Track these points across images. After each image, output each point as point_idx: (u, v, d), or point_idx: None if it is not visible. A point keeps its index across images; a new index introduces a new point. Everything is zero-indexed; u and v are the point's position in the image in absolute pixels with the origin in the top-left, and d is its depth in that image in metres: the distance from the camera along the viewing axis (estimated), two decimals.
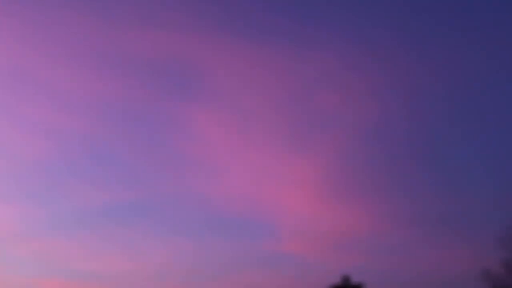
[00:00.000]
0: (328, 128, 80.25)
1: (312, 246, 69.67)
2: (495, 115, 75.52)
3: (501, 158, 71.65)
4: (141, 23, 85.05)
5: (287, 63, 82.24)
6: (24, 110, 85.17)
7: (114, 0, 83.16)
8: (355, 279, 38.42)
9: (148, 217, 77.96)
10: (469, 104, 78.13)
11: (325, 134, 79.59)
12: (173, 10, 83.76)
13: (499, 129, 74.12)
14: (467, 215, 64.12)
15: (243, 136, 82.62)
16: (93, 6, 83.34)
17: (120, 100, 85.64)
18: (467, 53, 76.03)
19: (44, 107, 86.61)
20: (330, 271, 56.41)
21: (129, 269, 70.22)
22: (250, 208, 78.06)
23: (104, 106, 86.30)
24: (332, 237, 69.28)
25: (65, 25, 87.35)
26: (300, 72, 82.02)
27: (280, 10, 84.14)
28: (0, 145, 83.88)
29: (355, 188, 74.74)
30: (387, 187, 73.34)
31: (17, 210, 79.75)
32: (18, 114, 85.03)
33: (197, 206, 78.88)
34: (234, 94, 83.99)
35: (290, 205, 74.91)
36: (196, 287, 64.45)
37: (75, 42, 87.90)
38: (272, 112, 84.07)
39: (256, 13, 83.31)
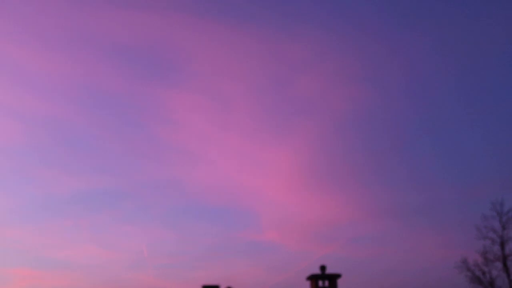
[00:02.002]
0: (310, 116, 77.88)
1: (292, 235, 67.11)
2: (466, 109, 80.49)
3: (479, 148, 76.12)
4: (117, 5, 73.43)
5: (269, 46, 77.73)
6: None
7: None
8: (333, 268, 38.09)
9: (124, 204, 68.88)
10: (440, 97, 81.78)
11: (307, 122, 77.00)
12: None
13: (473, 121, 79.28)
14: (444, 205, 67.81)
15: (223, 123, 75.86)
16: None
17: (94, 84, 73.97)
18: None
19: (11, 89, 71.14)
20: (310, 260, 54.85)
21: (103, 258, 62.34)
22: (231, 196, 72.02)
23: (76, 90, 73.66)
24: (312, 226, 67.56)
25: (36, 4, 72.44)
26: (283, 56, 78.03)
27: None
28: None
29: (336, 178, 74.01)
30: (367, 178, 74.07)
31: None
32: None
33: (176, 194, 71.31)
34: (213, 80, 76.70)
35: (270, 194, 70.99)
36: (175, 276, 58.81)
37: (45, 22, 72.75)
38: (253, 98, 78.48)
39: None
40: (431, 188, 73.71)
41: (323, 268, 37.98)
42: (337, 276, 37.59)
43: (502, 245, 37.93)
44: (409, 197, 72.11)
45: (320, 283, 37.63)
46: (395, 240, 66.47)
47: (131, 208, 72.29)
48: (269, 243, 68.79)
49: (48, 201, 70.05)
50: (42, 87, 74.89)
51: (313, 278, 37.62)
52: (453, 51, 78.12)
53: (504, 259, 37.62)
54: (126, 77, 78.70)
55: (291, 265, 60.50)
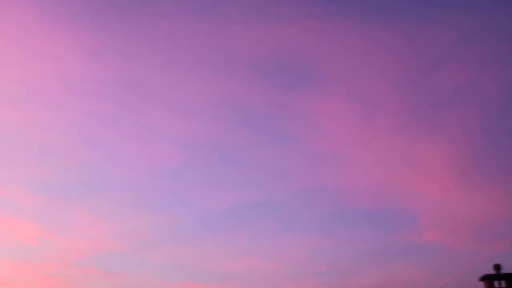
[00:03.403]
0: (456, 107, 74.45)
1: (454, 234, 64.64)
2: None
3: None
4: (246, 19, 78.47)
5: (406, 38, 76.02)
6: (141, 119, 78.55)
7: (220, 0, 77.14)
8: (509, 267, 34.94)
9: (279, 215, 73.21)
10: None
11: (458, 111, 73.53)
12: (276, 2, 77.66)
13: None
14: None
15: (369, 124, 76.11)
16: (196, 9, 77.00)
17: (238, 101, 79.36)
18: None
19: (166, 114, 79.89)
20: (477, 259, 51.50)
21: (263, 269, 66.00)
22: (385, 198, 72.12)
23: (223, 109, 79.86)
24: (475, 223, 64.20)
25: (172, 32, 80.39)
26: (423, 46, 75.80)
27: None
28: (123, 155, 77.96)
29: (490, 170, 69.50)
30: None
31: (153, 218, 75.12)
32: (137, 123, 78.86)
33: (329, 200, 73.66)
34: (354, 82, 77.04)
35: (426, 191, 69.27)
36: (337, 283, 60.03)
37: (184, 46, 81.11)
38: (397, 95, 77.41)
39: None
40: None
41: (497, 267, 35.24)
42: None
43: None
44: None
45: (496, 283, 34.95)
46: None
47: (286, 218, 73.75)
48: (429, 243, 65.05)
49: (206, 217, 74.54)
50: (190, 109, 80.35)
51: (487, 279, 35.06)
52: None
53: None
54: (268, 90, 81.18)
55: (457, 266, 56.48)
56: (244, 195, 77.60)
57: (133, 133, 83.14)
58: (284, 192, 76.95)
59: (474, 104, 76.21)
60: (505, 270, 35.06)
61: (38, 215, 75.20)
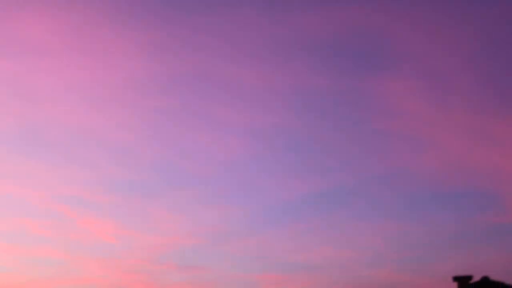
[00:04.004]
0: None
1: None
2: None
3: None
4: (309, 2, 77.47)
5: (477, 7, 71.06)
6: (209, 112, 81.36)
7: None
8: None
9: (354, 201, 72.59)
10: None
11: None
12: None
13: None
14: None
15: (442, 103, 72.84)
16: None
17: (304, 86, 78.98)
18: None
19: (229, 106, 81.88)
20: None
21: (341, 258, 66.04)
22: (465, 178, 69.05)
23: (288, 96, 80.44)
24: None
25: (236, 21, 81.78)
26: (496, 16, 70.64)
27: None
28: (194, 149, 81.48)
29: None
30: None
31: (227, 211, 78.12)
32: (206, 116, 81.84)
33: (405, 184, 71.99)
34: (424, 59, 74.04)
35: (509, 172, 66.28)
36: (421, 269, 58.78)
37: (249, 36, 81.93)
38: (471, 69, 73.28)
39: None
40: None
41: None
42: None
43: None
44: None
45: None
46: None
47: (362, 204, 71.85)
48: None
49: (280, 208, 74.46)
50: (258, 100, 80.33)
51: None
52: None
53: None
54: (335, 74, 79.37)
55: None
56: (317, 183, 76.62)
57: (202, 127, 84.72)
58: (358, 178, 75.01)
59: None
60: None
61: (115, 214, 78.06)
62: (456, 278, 32.88)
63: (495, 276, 32.86)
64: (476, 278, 32.06)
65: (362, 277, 61.47)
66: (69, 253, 79.88)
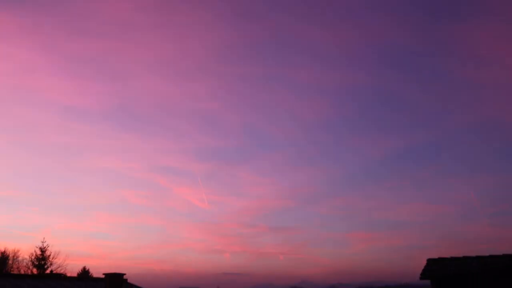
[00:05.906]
0: None
1: None
2: None
3: None
4: None
5: None
6: (288, 76, 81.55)
7: None
8: None
9: (443, 156, 71.99)
10: None
11: None
12: None
13: None
14: None
15: None
16: None
17: (387, 42, 77.63)
18: None
19: (309, 68, 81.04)
20: None
21: (431, 213, 65.65)
22: None
23: (363, 55, 79.02)
24: None
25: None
26: None
27: None
28: (278, 114, 79.59)
29: None
30: None
31: (316, 172, 77.57)
32: (288, 80, 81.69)
33: (496, 135, 70.39)
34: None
35: None
36: (509, 225, 57.89)
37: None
38: None
39: None
40: None
41: None
42: None
43: None
44: None
45: None
46: None
47: (451, 159, 70.30)
48: None
49: (365, 166, 74.20)
50: (339, 59, 78.10)
51: None
52: None
53: None
54: (418, 26, 76.63)
55: None
56: (405, 139, 74.78)
57: (284, 91, 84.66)
58: (448, 132, 73.04)
59: None
60: None
61: (207, 181, 79.88)
62: None
63: None
64: None
65: (454, 232, 60.41)
66: (166, 220, 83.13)
